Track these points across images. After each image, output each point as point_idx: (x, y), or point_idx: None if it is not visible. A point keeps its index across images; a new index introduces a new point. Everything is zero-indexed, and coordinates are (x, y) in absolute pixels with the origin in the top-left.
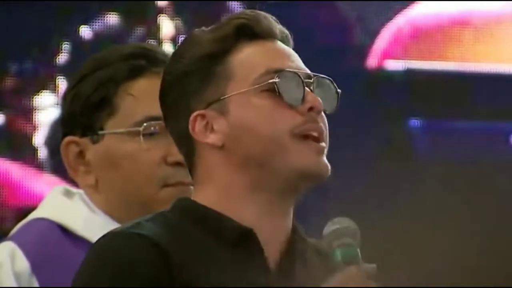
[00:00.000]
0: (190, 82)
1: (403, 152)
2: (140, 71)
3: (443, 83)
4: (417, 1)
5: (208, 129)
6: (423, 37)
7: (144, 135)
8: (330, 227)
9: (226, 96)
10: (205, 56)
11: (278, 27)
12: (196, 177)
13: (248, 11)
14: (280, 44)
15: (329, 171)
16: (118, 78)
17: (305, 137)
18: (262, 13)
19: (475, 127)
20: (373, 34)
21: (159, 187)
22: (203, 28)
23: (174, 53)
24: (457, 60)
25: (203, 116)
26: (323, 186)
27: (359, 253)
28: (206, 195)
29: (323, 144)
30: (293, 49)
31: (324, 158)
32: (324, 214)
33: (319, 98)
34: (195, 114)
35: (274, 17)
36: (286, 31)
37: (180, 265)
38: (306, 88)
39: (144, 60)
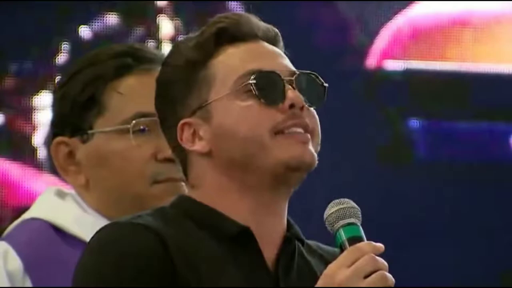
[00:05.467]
0: (175, 90)
1: (403, 152)
2: (127, 69)
3: (443, 84)
4: (416, 1)
5: (195, 137)
6: (423, 37)
7: (133, 132)
8: (332, 209)
9: (208, 102)
10: (187, 63)
11: (262, 27)
12: (190, 182)
13: (230, 14)
14: (262, 44)
15: (315, 159)
16: (105, 76)
17: (289, 133)
18: (245, 14)
19: (474, 127)
20: (373, 34)
21: (149, 183)
22: (190, 34)
23: (162, 62)
24: (456, 60)
25: (189, 124)
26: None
27: (363, 232)
28: (201, 197)
29: (307, 135)
30: (291, 48)
31: (310, 147)
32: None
33: (299, 94)
34: (181, 123)
35: (259, 17)
36: (273, 30)
37: (179, 258)
38: (287, 86)
39: (131, 58)
